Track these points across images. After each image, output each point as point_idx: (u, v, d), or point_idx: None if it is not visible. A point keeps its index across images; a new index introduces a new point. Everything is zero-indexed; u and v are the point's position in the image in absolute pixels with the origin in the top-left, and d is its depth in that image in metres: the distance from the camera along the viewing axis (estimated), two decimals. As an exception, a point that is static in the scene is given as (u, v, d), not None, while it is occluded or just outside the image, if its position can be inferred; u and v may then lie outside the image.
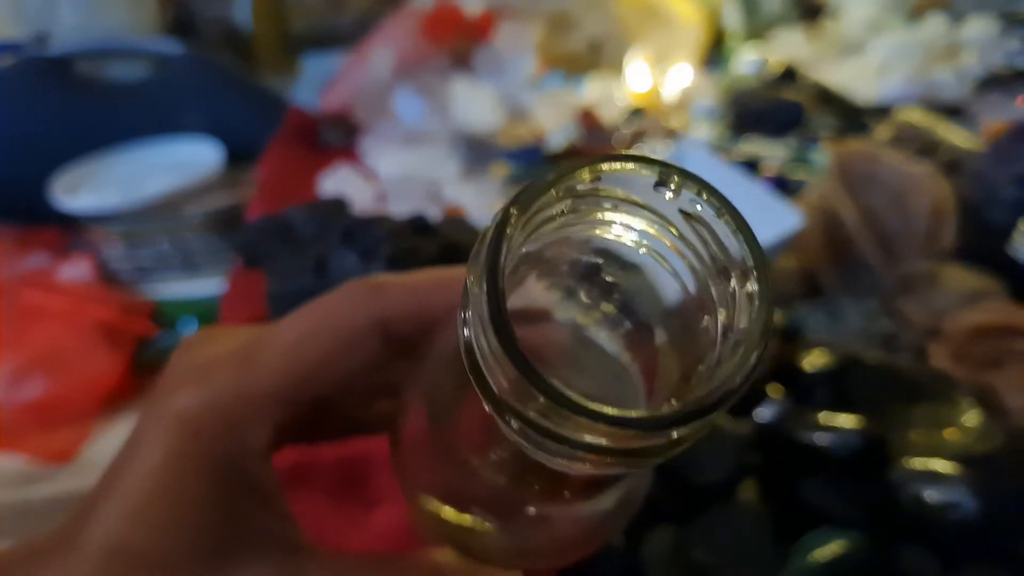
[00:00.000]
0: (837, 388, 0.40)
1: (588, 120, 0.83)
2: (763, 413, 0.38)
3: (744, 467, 0.36)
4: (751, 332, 0.11)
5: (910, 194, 0.53)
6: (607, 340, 0.15)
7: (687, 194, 0.12)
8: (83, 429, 0.66)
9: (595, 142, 0.79)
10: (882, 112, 0.79)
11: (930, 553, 0.32)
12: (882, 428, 0.36)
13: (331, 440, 0.20)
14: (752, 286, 0.11)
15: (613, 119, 0.85)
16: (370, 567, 0.17)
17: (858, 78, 0.89)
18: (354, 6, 1.30)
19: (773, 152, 0.73)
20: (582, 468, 0.11)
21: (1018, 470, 0.34)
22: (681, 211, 0.12)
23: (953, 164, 0.62)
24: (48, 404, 0.66)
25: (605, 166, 0.11)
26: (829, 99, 0.84)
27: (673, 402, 0.10)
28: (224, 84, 0.98)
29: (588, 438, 0.10)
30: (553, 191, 0.11)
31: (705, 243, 0.12)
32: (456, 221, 0.54)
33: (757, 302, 0.11)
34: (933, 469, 0.33)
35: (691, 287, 0.12)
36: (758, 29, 1.08)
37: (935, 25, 0.95)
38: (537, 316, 0.15)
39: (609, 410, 0.10)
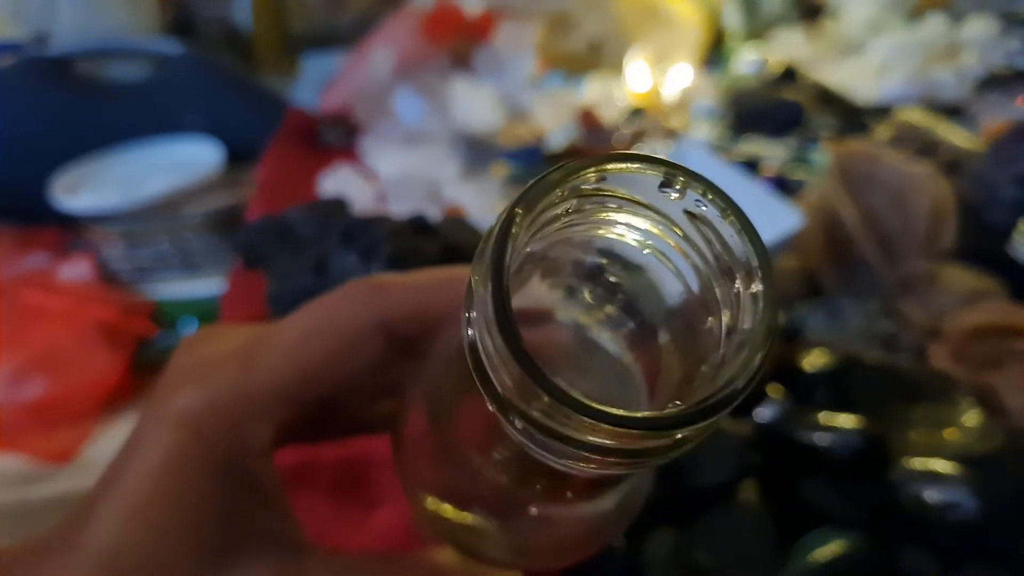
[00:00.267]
0: (837, 388, 0.39)
1: (588, 120, 0.83)
2: (763, 413, 0.38)
3: (744, 467, 0.36)
4: (755, 333, 0.11)
5: (910, 194, 0.53)
6: (610, 340, 0.15)
7: (692, 194, 0.12)
8: (83, 429, 0.66)
9: (595, 142, 0.79)
10: (882, 112, 0.79)
11: (930, 553, 0.32)
12: (882, 428, 0.36)
13: (332, 439, 0.20)
14: (757, 287, 0.11)
15: (613, 119, 0.84)
16: (371, 566, 0.17)
17: (858, 78, 0.89)
18: (354, 6, 1.30)
19: (773, 152, 0.72)
20: (585, 468, 0.11)
21: (1018, 470, 0.33)
22: (686, 211, 0.12)
23: (953, 164, 0.62)
24: (48, 404, 0.66)
25: (610, 166, 0.11)
26: (829, 99, 0.84)
27: (676, 403, 0.10)
28: (224, 84, 0.98)
29: (592, 438, 0.10)
30: (558, 191, 0.11)
31: (709, 243, 0.12)
32: (456, 221, 0.54)
33: (761, 303, 0.11)
34: (933, 469, 0.33)
35: (695, 287, 0.12)
36: (758, 29, 1.08)
37: (935, 25, 0.95)
38: (541, 316, 0.15)
39: (614, 410, 0.10)
